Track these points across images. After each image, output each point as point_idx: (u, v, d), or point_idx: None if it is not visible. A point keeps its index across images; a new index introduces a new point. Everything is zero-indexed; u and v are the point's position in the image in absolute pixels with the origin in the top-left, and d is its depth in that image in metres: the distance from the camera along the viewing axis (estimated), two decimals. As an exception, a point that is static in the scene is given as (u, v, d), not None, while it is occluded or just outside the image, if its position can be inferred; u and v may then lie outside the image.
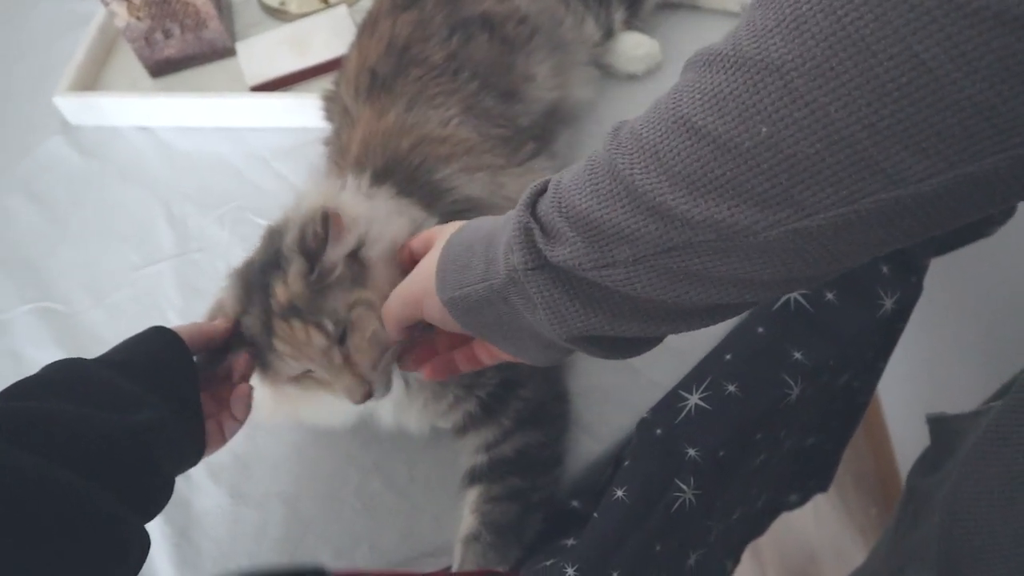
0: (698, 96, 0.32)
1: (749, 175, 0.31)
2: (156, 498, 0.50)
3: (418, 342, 0.59)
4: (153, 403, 0.51)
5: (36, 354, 0.84)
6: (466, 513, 0.66)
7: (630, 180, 0.35)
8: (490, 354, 0.53)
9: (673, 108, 0.34)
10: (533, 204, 0.41)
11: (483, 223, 0.47)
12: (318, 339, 0.57)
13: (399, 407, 0.68)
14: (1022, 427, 0.45)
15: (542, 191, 0.42)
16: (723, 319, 0.40)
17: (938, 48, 0.25)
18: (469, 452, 0.68)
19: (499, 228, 0.45)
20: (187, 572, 0.70)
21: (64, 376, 0.49)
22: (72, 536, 0.40)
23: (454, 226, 0.51)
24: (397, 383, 0.64)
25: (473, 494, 0.66)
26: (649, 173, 0.34)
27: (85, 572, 0.41)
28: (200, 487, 0.73)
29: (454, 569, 0.64)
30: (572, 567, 0.52)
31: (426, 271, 0.50)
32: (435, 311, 0.49)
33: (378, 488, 0.72)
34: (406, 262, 0.59)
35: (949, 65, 0.25)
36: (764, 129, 0.30)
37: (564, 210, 0.39)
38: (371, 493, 0.72)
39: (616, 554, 0.52)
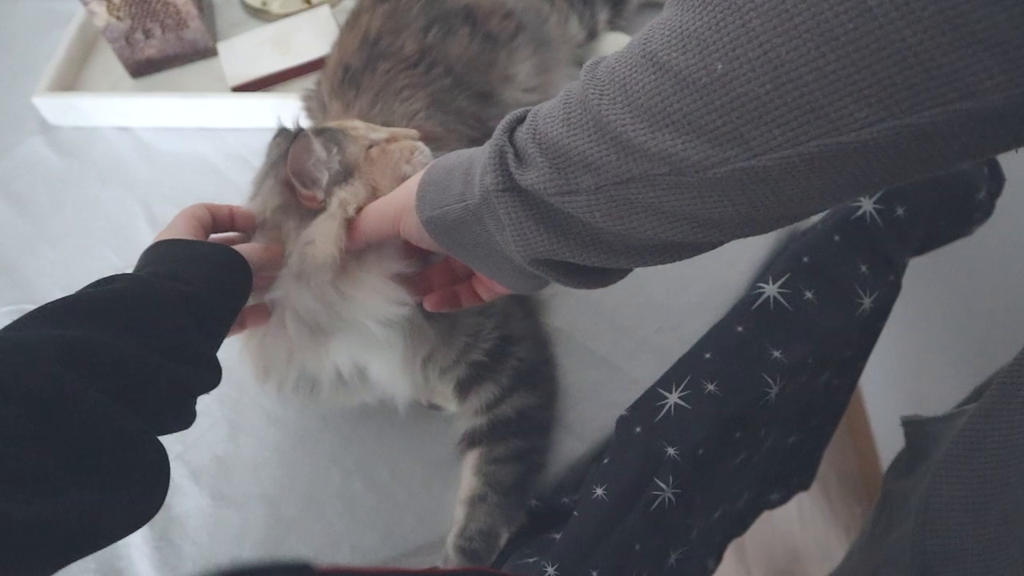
0: (667, 32, 0.34)
1: (704, 111, 0.32)
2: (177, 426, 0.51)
3: (415, 276, 0.60)
4: (210, 358, 0.52)
5: (14, 356, 0.83)
6: (468, 475, 0.66)
7: (597, 110, 0.37)
8: (487, 289, 0.56)
9: (644, 43, 0.35)
10: (512, 130, 0.43)
11: (465, 151, 0.49)
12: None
13: (395, 366, 0.67)
14: (994, 433, 0.45)
15: (522, 118, 0.44)
16: (680, 258, 0.42)
17: None
18: (468, 415, 0.68)
19: (478, 153, 0.46)
20: (167, 574, 0.69)
21: (139, 304, 0.47)
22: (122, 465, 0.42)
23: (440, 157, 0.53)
24: (398, 340, 0.64)
25: (474, 456, 0.66)
26: (615, 104, 0.36)
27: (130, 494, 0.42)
28: (181, 489, 0.72)
29: (457, 528, 0.64)
30: (552, 567, 0.51)
31: (406, 191, 0.52)
32: (412, 228, 0.51)
33: (359, 489, 0.71)
34: None
35: (894, 13, 0.26)
36: (720, 66, 0.31)
37: (537, 136, 0.41)
38: (353, 494, 0.71)
39: (595, 553, 0.52)
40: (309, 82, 0.87)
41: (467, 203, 0.46)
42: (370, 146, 0.62)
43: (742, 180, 0.33)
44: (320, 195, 0.59)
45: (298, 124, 0.58)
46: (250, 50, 1.03)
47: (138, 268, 0.54)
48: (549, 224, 0.42)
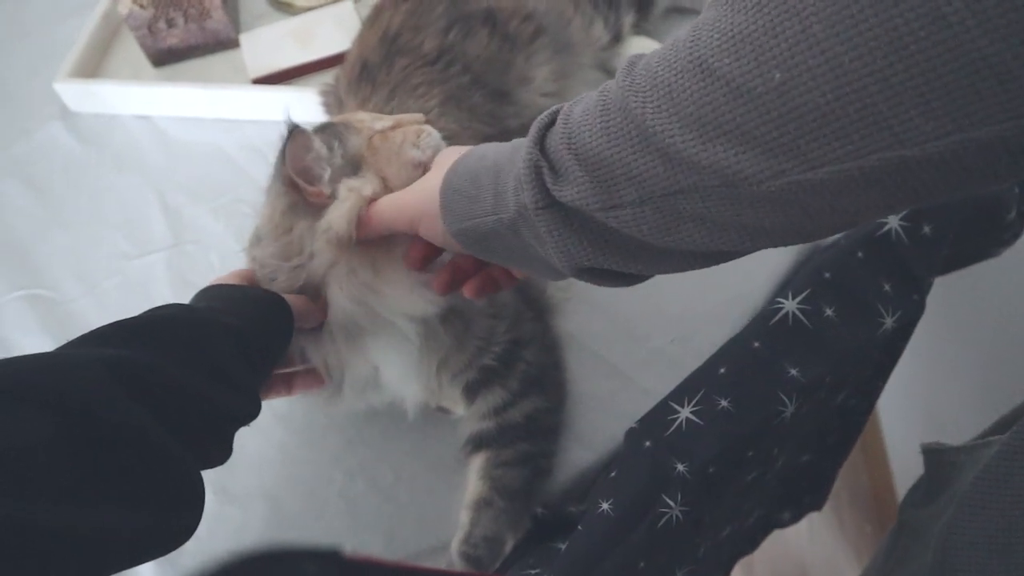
0: (716, 36, 0.32)
1: (759, 122, 0.31)
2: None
3: (442, 267, 0.59)
4: (252, 390, 0.53)
5: (23, 341, 0.83)
6: (474, 479, 0.65)
7: (641, 119, 0.35)
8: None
9: (690, 47, 0.33)
10: (542, 138, 0.41)
11: (487, 152, 0.47)
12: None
13: (409, 369, 0.66)
14: (1021, 472, 0.43)
15: (550, 123, 0.42)
16: (724, 261, 0.41)
17: (961, 2, 0.24)
18: (476, 418, 0.67)
19: (505, 159, 0.45)
20: (167, 568, 0.69)
21: (189, 331, 0.50)
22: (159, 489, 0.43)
23: (455, 152, 0.51)
24: (414, 344, 0.64)
25: (480, 460, 0.65)
26: (660, 113, 0.34)
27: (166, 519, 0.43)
28: (182, 482, 0.72)
29: (462, 534, 0.63)
30: (553, 581, 0.50)
31: (428, 190, 0.50)
32: (436, 232, 0.50)
33: (362, 489, 0.71)
34: None
35: (971, 21, 0.24)
36: (778, 75, 0.29)
37: (574, 147, 0.39)
38: (355, 494, 0.70)
39: (598, 569, 0.50)
40: (330, 76, 0.86)
41: (500, 217, 0.44)
42: (372, 136, 0.61)
43: (797, 193, 0.32)
44: (326, 190, 0.58)
45: (290, 121, 0.57)
46: (272, 42, 1.02)
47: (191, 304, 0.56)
48: (593, 239, 0.41)
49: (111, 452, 0.39)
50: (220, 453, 0.52)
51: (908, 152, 0.28)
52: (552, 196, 0.40)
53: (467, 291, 0.57)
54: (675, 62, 0.34)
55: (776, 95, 0.30)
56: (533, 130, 0.42)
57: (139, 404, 0.42)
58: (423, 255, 0.57)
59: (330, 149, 0.59)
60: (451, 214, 0.48)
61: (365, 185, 0.58)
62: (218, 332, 0.51)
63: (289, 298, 0.58)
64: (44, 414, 0.38)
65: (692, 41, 0.33)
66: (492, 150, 0.47)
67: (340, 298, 0.59)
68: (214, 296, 0.57)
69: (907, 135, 0.28)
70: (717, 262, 0.41)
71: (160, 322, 0.49)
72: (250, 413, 0.53)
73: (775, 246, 0.38)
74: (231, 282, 0.60)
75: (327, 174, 0.58)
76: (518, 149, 0.43)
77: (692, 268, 0.41)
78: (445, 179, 0.49)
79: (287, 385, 0.63)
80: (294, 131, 0.56)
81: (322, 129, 0.61)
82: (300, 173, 0.57)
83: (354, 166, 0.59)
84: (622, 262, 0.41)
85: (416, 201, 0.52)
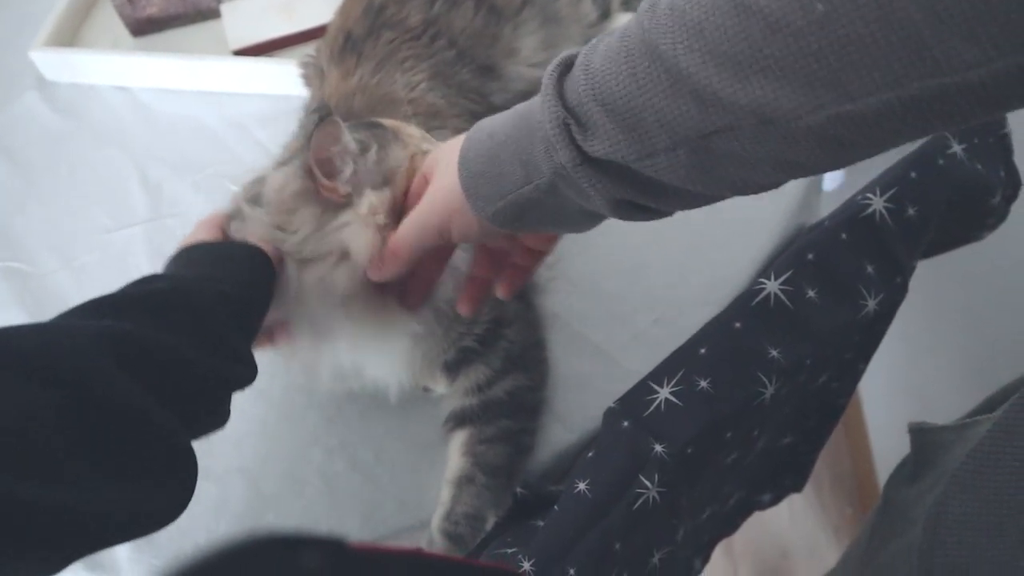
0: None
1: (798, 55, 0.30)
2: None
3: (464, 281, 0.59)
4: (247, 354, 0.53)
5: (-1, 315, 0.82)
6: (455, 456, 0.65)
7: (673, 61, 0.34)
8: (537, 239, 0.55)
9: None
10: (561, 93, 0.40)
11: (490, 129, 0.46)
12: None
13: (395, 363, 0.67)
14: (1013, 451, 0.43)
15: (566, 70, 0.40)
16: (757, 192, 0.40)
17: None
18: (458, 395, 0.67)
19: (517, 129, 0.44)
20: (143, 546, 0.68)
21: (182, 303, 0.49)
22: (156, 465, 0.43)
23: (450, 150, 0.50)
24: (403, 334, 0.64)
25: (462, 436, 0.65)
26: (692, 53, 0.33)
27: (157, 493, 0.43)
28: (159, 459, 0.71)
29: (442, 511, 0.64)
30: (528, 561, 0.50)
31: (442, 198, 0.49)
32: (470, 228, 0.49)
33: (342, 468, 0.70)
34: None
35: None
36: (820, 7, 0.29)
37: (600, 97, 0.38)
38: (334, 473, 0.70)
39: (574, 550, 0.50)
40: (312, 49, 0.84)
41: (537, 183, 0.43)
42: (415, 154, 0.58)
43: (835, 125, 0.32)
44: (342, 188, 0.55)
45: (327, 107, 0.54)
46: (254, 13, 1.01)
47: (167, 272, 0.55)
48: (635, 183, 0.40)
49: (106, 427, 0.39)
50: (219, 418, 0.52)
51: (949, 79, 0.28)
52: (584, 152, 0.40)
53: (464, 308, 0.58)
54: (704, 0, 0.33)
55: (817, 27, 0.29)
56: (550, 82, 0.41)
57: (136, 378, 0.41)
58: (424, 291, 0.58)
59: (364, 150, 0.56)
60: (480, 200, 0.46)
61: (383, 207, 0.55)
62: (210, 302, 0.50)
63: (265, 248, 0.57)
64: (38, 388, 0.37)
65: None
66: (495, 126, 0.46)
67: (316, 307, 0.59)
68: (193, 260, 0.55)
69: (949, 63, 0.28)
70: (755, 192, 0.40)
71: (154, 295, 0.48)
72: (247, 377, 0.53)
73: (807, 176, 0.38)
74: (205, 237, 0.58)
75: (348, 171, 0.55)
76: (527, 115, 0.43)
77: (730, 196, 0.41)
78: (459, 171, 0.47)
79: (268, 337, 0.62)
80: (326, 118, 0.53)
81: (368, 127, 0.59)
82: (320, 164, 0.55)
83: (385, 179, 0.57)
84: (664, 200, 0.41)
85: (439, 207, 0.50)
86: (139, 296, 0.48)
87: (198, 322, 0.48)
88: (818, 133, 0.33)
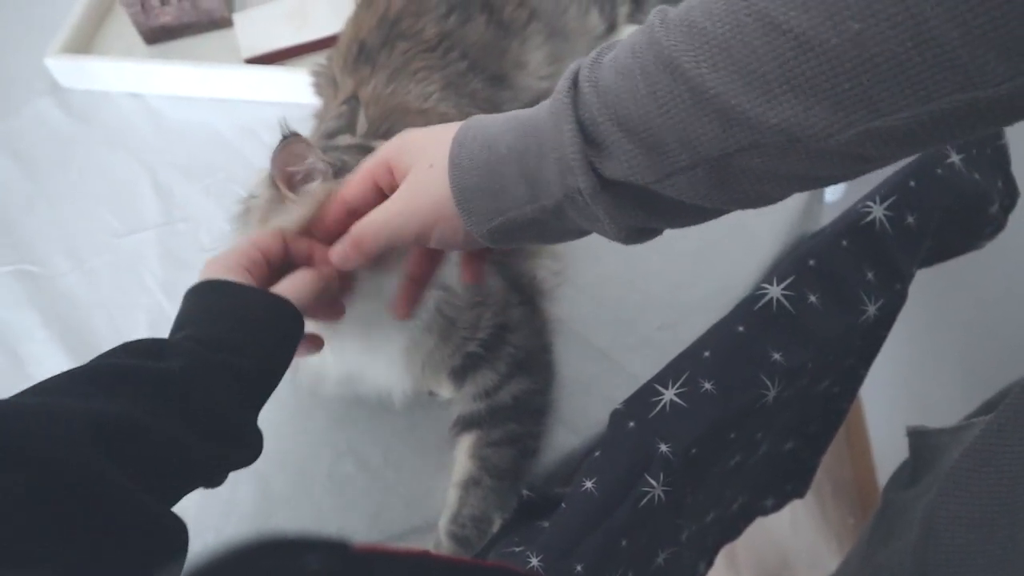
0: None
1: (830, 74, 0.30)
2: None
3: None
4: (252, 431, 0.50)
5: (10, 316, 0.83)
6: (462, 459, 0.66)
7: (698, 80, 0.34)
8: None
9: (745, 2, 0.32)
10: (578, 112, 0.38)
11: (488, 140, 0.43)
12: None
13: (393, 368, 0.67)
14: (1006, 449, 0.44)
15: (573, 86, 0.39)
16: (765, 205, 0.40)
17: None
18: (466, 400, 0.68)
19: (525, 140, 0.41)
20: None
21: (187, 387, 0.45)
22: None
23: (427, 142, 0.47)
24: (398, 339, 0.64)
25: (469, 440, 0.66)
26: (719, 71, 0.33)
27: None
28: (169, 459, 0.72)
29: (449, 513, 0.64)
30: (536, 557, 0.51)
31: (427, 204, 0.46)
32: (454, 237, 0.46)
33: (351, 470, 0.71)
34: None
35: None
36: (856, 26, 0.29)
37: (616, 117, 0.37)
38: (343, 474, 0.71)
39: (581, 547, 0.51)
40: (323, 58, 0.86)
41: (543, 204, 0.42)
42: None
43: (862, 141, 0.32)
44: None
45: (287, 129, 0.55)
46: (266, 22, 1.02)
47: (181, 316, 0.50)
48: (649, 207, 0.40)
49: (80, 513, 0.38)
50: (211, 486, 0.49)
51: (981, 93, 0.28)
52: (603, 177, 0.39)
53: (398, 311, 0.56)
54: (727, 16, 0.33)
55: (851, 45, 0.29)
56: (566, 105, 0.39)
57: (122, 466, 0.40)
58: (414, 299, 0.57)
59: (341, 171, 0.56)
60: (475, 215, 0.44)
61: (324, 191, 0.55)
62: (219, 384, 0.46)
63: (297, 282, 0.52)
64: (18, 474, 0.36)
65: None
66: (492, 135, 0.43)
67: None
68: (212, 311, 0.50)
69: (981, 78, 0.28)
70: (764, 204, 0.40)
71: (159, 376, 0.45)
72: (248, 458, 0.50)
73: (819, 188, 0.39)
74: (229, 276, 0.51)
75: (314, 184, 0.56)
76: (532, 129, 0.41)
77: (730, 212, 0.41)
78: (452, 181, 0.44)
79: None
80: (288, 139, 0.55)
81: (359, 151, 0.60)
82: (282, 177, 0.56)
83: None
84: (675, 221, 0.41)
85: (423, 213, 0.47)
86: (141, 375, 0.45)
87: (202, 409, 0.45)
88: (844, 150, 0.32)
